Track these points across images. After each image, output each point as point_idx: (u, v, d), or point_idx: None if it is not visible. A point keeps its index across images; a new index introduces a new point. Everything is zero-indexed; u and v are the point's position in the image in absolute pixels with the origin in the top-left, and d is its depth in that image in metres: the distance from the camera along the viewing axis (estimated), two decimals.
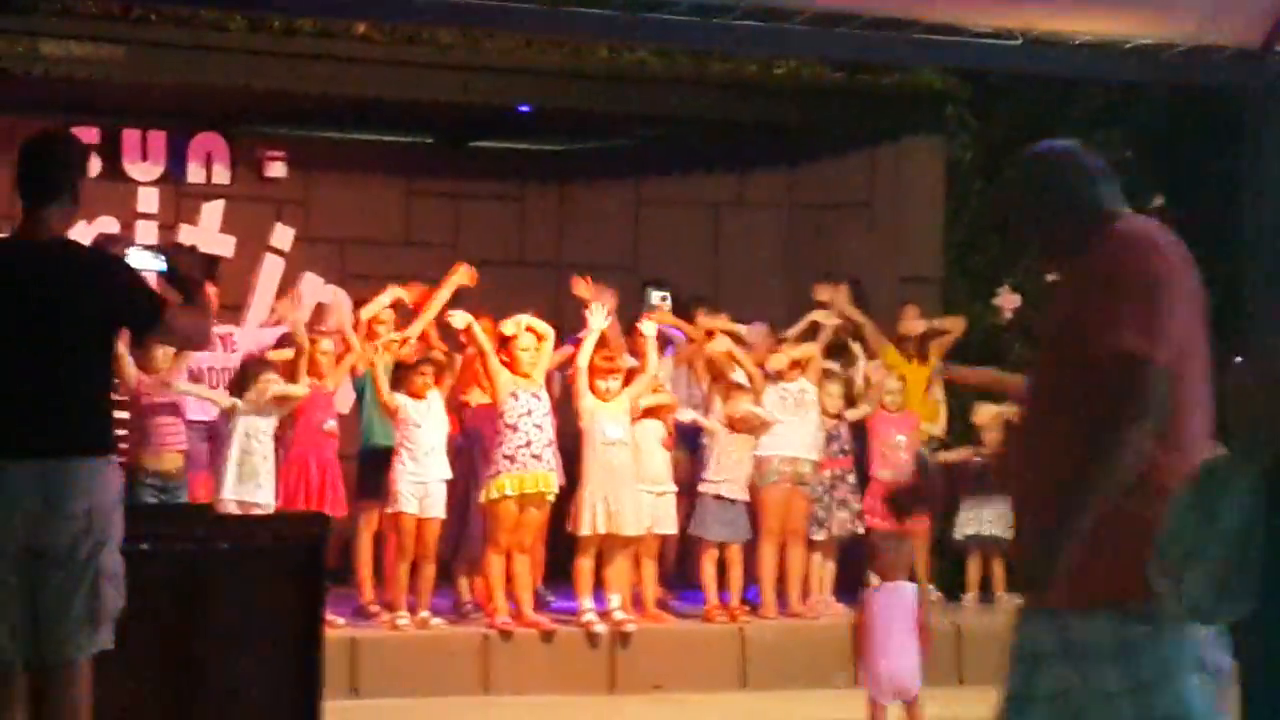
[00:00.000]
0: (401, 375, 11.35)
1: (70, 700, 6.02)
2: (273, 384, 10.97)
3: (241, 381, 11.22)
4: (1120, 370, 4.17)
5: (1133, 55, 11.87)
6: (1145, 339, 4.19)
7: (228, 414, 11.04)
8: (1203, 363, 4.36)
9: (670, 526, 11.80)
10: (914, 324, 13.18)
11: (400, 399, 11.24)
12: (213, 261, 6.64)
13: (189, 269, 6.29)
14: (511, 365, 11.36)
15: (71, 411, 6.02)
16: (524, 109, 13.25)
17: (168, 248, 6.45)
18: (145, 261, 6.29)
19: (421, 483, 11.22)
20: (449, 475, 11.31)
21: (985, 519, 12.93)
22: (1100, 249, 4.49)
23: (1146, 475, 4.18)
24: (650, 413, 11.74)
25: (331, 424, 11.33)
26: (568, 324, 13.98)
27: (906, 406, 12.82)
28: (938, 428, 13.05)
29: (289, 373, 11.17)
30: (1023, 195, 4.76)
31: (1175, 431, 4.23)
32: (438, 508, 11.27)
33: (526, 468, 11.18)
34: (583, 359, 11.54)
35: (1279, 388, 3.51)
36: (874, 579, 9.10)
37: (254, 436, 10.90)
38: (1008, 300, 13.63)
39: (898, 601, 8.66)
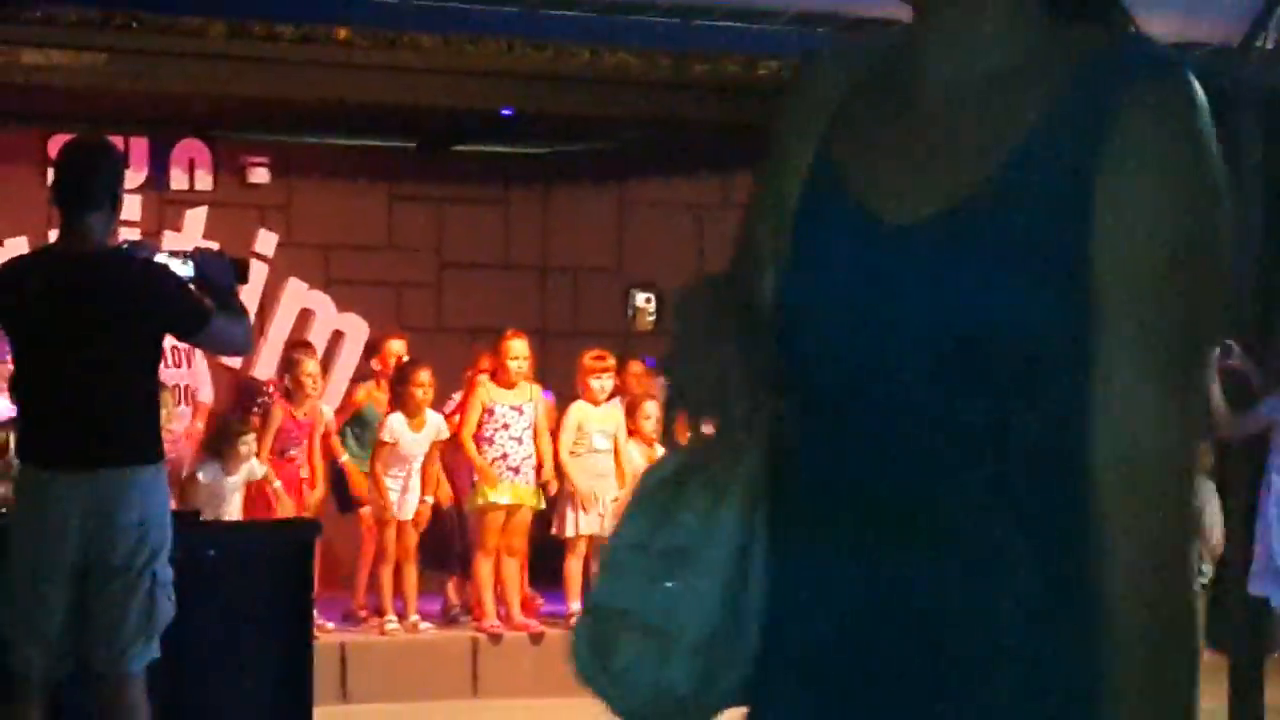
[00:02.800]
0: (399, 392, 11.24)
1: (129, 712, 6.03)
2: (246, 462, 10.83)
3: (218, 440, 10.99)
4: None
5: None
6: None
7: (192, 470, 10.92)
8: None
9: None
10: None
11: (397, 424, 11.15)
12: (243, 265, 6.53)
13: (219, 275, 6.24)
14: (499, 375, 11.32)
15: (122, 422, 6.01)
16: (506, 112, 13.23)
17: (195, 253, 6.37)
18: (173, 268, 6.23)
19: (401, 490, 11.21)
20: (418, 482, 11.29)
21: None
22: None
23: None
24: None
25: (293, 452, 11.25)
26: (551, 326, 14.01)
27: None
28: None
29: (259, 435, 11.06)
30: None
31: None
32: (412, 508, 11.24)
33: (503, 480, 11.17)
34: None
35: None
36: None
37: (222, 498, 10.69)
38: None
39: None
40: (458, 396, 11.74)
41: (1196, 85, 2.02)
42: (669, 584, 2.03)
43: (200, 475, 10.73)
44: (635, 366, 12.51)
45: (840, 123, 2.12)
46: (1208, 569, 12.71)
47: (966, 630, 1.98)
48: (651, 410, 11.66)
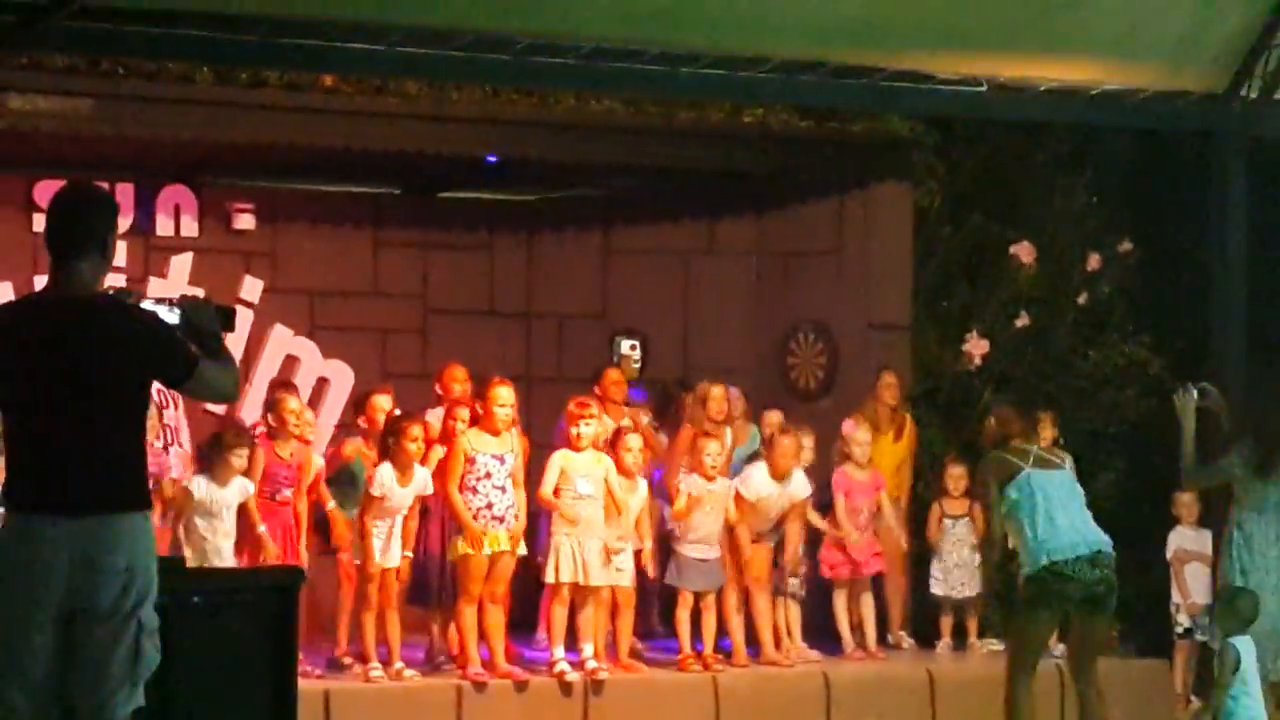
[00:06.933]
0: (391, 445, 11.17)
1: None
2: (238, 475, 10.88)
3: (210, 451, 11.06)
4: None
5: (1098, 100, 11.94)
6: None
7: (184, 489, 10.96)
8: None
9: (627, 580, 11.66)
10: (890, 391, 13.04)
11: (387, 477, 11.11)
12: (229, 312, 6.50)
13: (205, 321, 6.22)
14: (485, 422, 11.27)
15: (109, 468, 5.98)
16: (491, 159, 13.26)
17: (182, 301, 6.35)
18: (159, 315, 6.18)
19: (386, 537, 11.18)
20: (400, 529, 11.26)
21: (955, 581, 12.90)
22: None
23: None
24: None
25: (286, 494, 11.24)
26: (535, 372, 14.01)
27: (874, 465, 12.72)
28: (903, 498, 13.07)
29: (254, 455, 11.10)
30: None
31: None
32: (396, 557, 11.24)
33: (488, 530, 11.14)
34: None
35: None
36: None
37: (216, 513, 10.81)
38: (976, 346, 13.65)
39: None
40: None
41: None
42: None
43: (192, 489, 10.79)
44: (613, 374, 12.50)
45: None
46: (1184, 620, 12.73)
47: None
48: (634, 443, 11.62)
